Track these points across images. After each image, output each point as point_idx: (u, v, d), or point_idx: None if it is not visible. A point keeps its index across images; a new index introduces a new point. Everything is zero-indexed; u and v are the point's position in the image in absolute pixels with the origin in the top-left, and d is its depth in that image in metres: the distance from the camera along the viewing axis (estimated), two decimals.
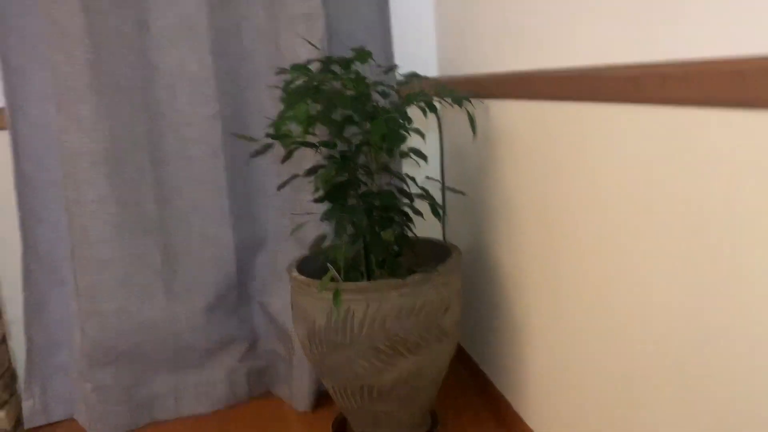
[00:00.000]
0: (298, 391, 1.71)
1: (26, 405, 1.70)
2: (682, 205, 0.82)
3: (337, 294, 1.28)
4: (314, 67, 1.58)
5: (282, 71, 1.39)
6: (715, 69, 0.70)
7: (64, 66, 1.50)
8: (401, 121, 1.33)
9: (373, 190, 1.47)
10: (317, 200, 1.45)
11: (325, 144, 1.43)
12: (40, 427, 1.74)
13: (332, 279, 1.39)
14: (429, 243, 1.62)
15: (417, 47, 1.83)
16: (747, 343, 0.73)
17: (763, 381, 0.72)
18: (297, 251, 1.74)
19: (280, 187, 1.44)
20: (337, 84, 1.42)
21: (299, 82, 1.50)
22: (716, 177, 0.75)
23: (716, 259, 0.77)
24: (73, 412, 1.76)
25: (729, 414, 0.78)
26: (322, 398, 1.77)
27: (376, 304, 1.31)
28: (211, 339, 1.72)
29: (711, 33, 0.73)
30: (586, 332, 1.11)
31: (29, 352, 1.69)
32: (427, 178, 1.51)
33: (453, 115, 1.73)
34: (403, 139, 1.32)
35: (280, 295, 1.77)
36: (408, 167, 1.88)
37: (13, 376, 1.68)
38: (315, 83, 1.36)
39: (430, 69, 1.85)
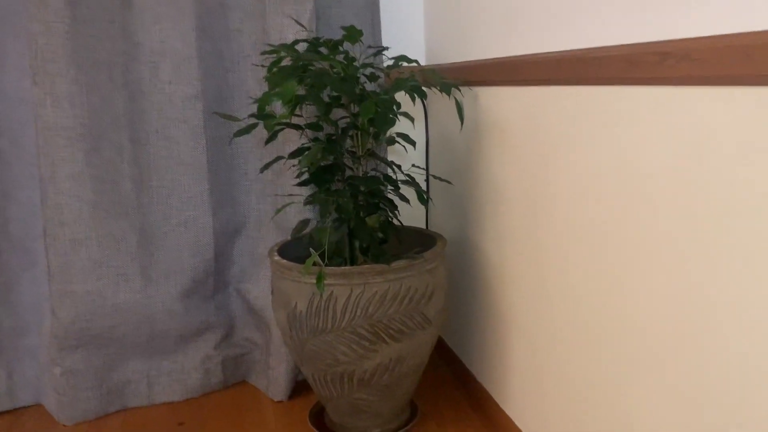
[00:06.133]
0: (274, 379, 1.67)
1: None
2: (680, 191, 0.80)
3: (320, 277, 1.25)
4: (301, 48, 1.55)
5: (268, 51, 1.35)
6: (718, 45, 0.69)
7: (41, 37, 1.45)
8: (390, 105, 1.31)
9: (359, 175, 1.44)
10: (301, 183, 1.42)
11: (310, 126, 1.40)
12: (6, 412, 1.68)
13: (315, 263, 1.36)
14: (414, 231, 1.60)
15: (405, 35, 1.81)
16: (738, 337, 0.72)
17: (751, 374, 0.71)
18: (277, 237, 1.70)
19: (263, 168, 1.41)
20: (324, 65, 1.39)
21: (286, 62, 1.47)
22: (719, 159, 0.74)
23: (716, 249, 0.75)
24: (40, 397, 1.70)
25: (713, 407, 0.77)
26: (299, 387, 1.73)
27: (360, 289, 1.28)
28: (187, 325, 1.67)
29: (713, 9, 0.72)
30: (571, 325, 1.10)
31: None
32: (413, 166, 1.49)
33: (440, 102, 1.71)
34: (392, 122, 1.29)
35: (259, 282, 1.73)
36: (393, 155, 1.86)
37: None
38: (302, 63, 1.33)
39: (418, 57, 1.83)
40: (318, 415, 1.57)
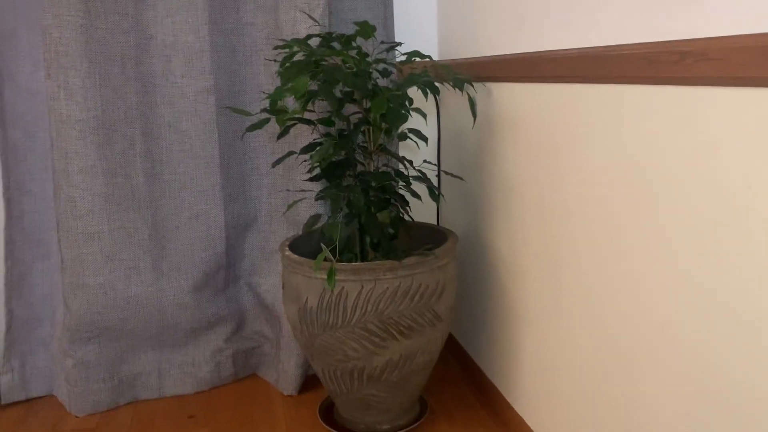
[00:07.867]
0: (284, 373, 1.68)
1: (4, 380, 1.66)
2: (695, 193, 0.79)
3: (331, 272, 1.25)
4: (313, 43, 1.55)
5: (281, 46, 1.35)
6: (737, 45, 0.68)
7: (55, 30, 1.45)
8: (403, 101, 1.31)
9: (370, 170, 1.44)
10: (313, 179, 1.42)
11: (322, 121, 1.40)
12: (18, 402, 1.69)
13: (326, 259, 1.36)
14: (425, 227, 1.59)
15: (418, 29, 1.80)
16: (752, 335, 0.71)
17: (764, 369, 0.70)
18: (288, 232, 1.70)
19: (275, 163, 1.40)
20: (337, 60, 1.38)
21: (298, 57, 1.47)
22: (735, 162, 0.73)
23: (730, 249, 0.75)
24: (52, 388, 1.71)
25: (728, 404, 0.76)
26: (309, 382, 1.74)
27: (370, 285, 1.28)
28: (198, 318, 1.68)
29: (733, 9, 0.71)
30: (582, 323, 1.09)
31: (9, 325, 1.64)
32: (425, 161, 1.49)
33: (452, 98, 1.70)
34: (405, 118, 1.29)
35: (270, 275, 1.73)
36: (404, 151, 1.85)
37: None
38: (314, 58, 1.32)
39: (431, 52, 1.82)
40: (328, 410, 1.57)
